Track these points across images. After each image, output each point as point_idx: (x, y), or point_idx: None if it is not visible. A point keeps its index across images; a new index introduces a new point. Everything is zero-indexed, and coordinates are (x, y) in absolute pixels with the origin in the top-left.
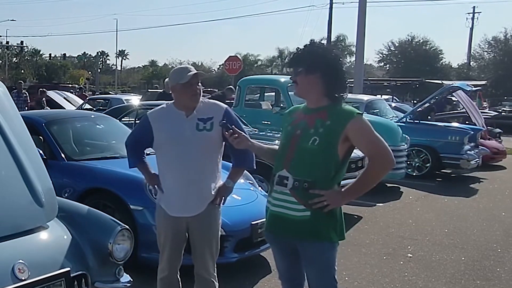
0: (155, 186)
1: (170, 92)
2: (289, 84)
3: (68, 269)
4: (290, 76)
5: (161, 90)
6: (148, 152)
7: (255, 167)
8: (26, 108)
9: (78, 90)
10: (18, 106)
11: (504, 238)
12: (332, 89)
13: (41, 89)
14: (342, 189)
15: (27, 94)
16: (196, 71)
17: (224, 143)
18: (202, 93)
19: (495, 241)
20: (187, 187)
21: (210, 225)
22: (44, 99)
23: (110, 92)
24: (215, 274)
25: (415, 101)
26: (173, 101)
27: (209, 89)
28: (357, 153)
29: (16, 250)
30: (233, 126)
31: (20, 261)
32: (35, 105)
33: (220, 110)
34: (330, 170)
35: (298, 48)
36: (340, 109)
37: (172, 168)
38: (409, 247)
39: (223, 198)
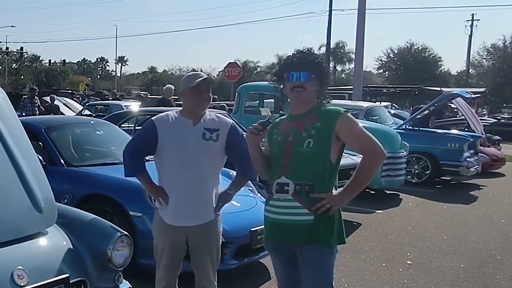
0: (159, 198)
1: (169, 98)
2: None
3: (67, 275)
4: (292, 80)
5: (160, 96)
6: (147, 159)
7: (258, 179)
8: (38, 114)
9: (78, 96)
10: (32, 112)
11: (503, 245)
12: (324, 96)
13: (52, 95)
14: (341, 189)
15: (38, 100)
16: (204, 77)
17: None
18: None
19: (494, 248)
20: (188, 196)
21: (211, 234)
22: (55, 103)
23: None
24: (216, 283)
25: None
26: (180, 108)
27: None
28: (355, 159)
29: (15, 256)
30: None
31: (19, 267)
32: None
33: (227, 123)
34: (325, 172)
35: (300, 53)
36: (326, 109)
37: (174, 175)
38: (408, 254)
39: (221, 204)
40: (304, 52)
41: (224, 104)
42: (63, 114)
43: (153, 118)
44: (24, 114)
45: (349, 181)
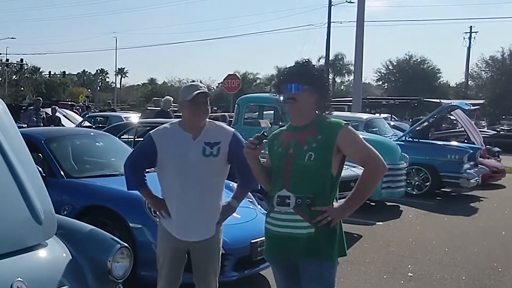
0: (161, 211)
1: (168, 109)
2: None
3: (67, 287)
4: (285, 91)
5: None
6: (148, 170)
7: (259, 187)
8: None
9: (78, 108)
10: (36, 124)
11: (504, 257)
12: (324, 109)
13: (53, 106)
14: (342, 202)
15: (44, 112)
16: (201, 90)
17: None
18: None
19: (496, 260)
20: (191, 211)
21: (212, 246)
22: (56, 115)
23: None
24: None
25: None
26: (178, 120)
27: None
28: (356, 171)
29: (14, 268)
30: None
31: (19, 279)
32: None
33: (228, 134)
34: (326, 185)
35: (296, 65)
36: (327, 122)
37: (176, 191)
38: (409, 266)
39: (224, 218)
40: (299, 64)
41: (226, 114)
42: (64, 125)
43: (151, 132)
44: (28, 124)
45: (350, 194)
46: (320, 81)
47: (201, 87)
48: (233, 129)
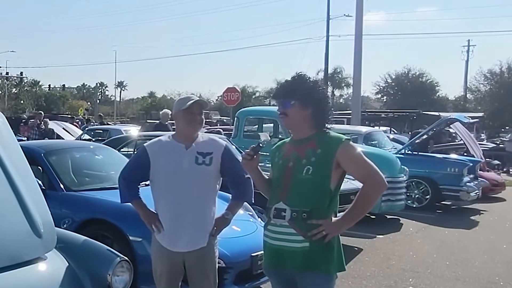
0: (152, 225)
1: (166, 122)
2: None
3: None
4: (278, 107)
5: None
6: (147, 183)
7: (253, 201)
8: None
9: (78, 120)
10: (37, 136)
11: (505, 270)
12: (321, 122)
13: (45, 119)
14: (339, 217)
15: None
16: (197, 99)
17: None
18: (203, 124)
19: (497, 274)
20: (184, 221)
21: (207, 258)
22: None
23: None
24: None
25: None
26: (173, 132)
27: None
28: (355, 184)
29: (14, 282)
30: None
31: None
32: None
33: (220, 146)
34: (325, 199)
35: (287, 80)
36: (328, 136)
37: (169, 201)
38: (410, 279)
39: (219, 230)
40: (291, 79)
41: (220, 129)
42: (60, 137)
43: (145, 144)
44: (28, 137)
45: (348, 209)
46: (311, 94)
47: (196, 98)
48: (225, 142)
